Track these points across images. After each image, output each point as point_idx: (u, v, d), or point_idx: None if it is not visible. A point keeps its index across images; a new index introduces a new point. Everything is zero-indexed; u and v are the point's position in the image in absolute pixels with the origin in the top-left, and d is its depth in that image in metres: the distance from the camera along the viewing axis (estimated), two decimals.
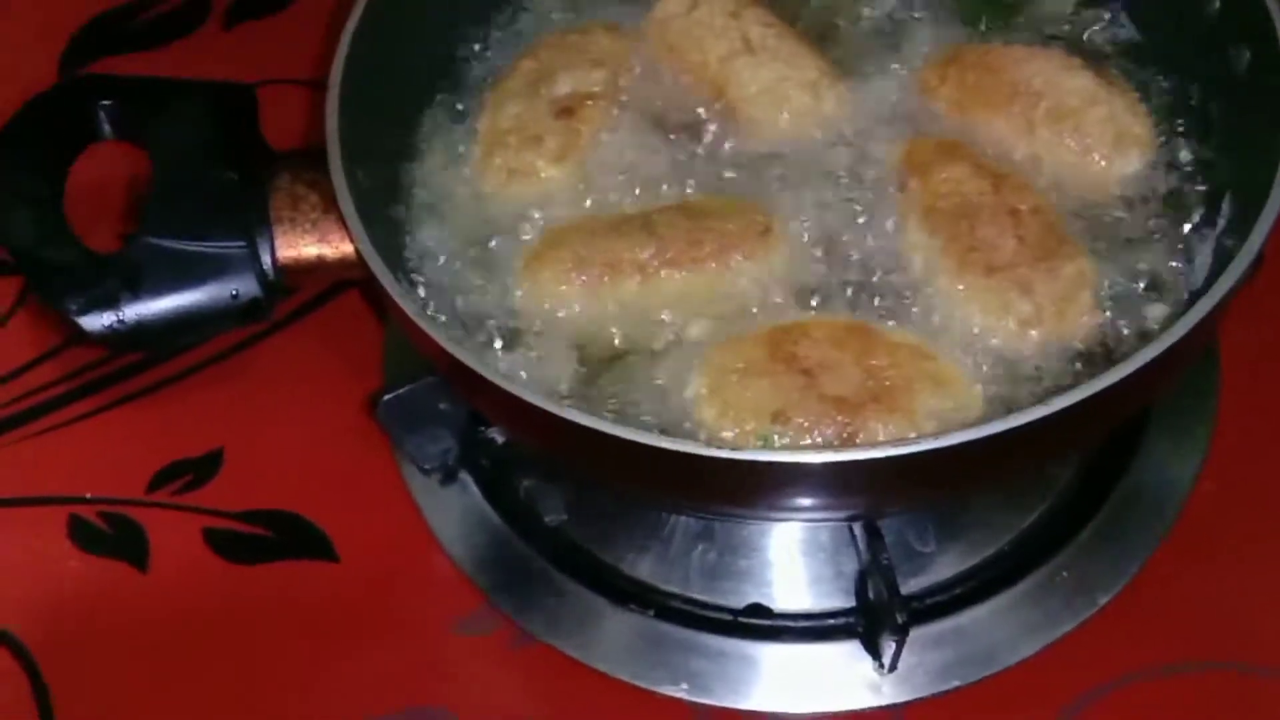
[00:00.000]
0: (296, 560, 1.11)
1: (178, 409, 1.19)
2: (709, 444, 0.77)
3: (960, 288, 0.92)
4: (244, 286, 0.95)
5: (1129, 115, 0.99)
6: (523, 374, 0.92)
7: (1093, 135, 0.98)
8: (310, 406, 1.18)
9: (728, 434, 0.89)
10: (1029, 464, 0.92)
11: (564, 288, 0.96)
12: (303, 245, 0.96)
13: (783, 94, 1.02)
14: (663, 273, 0.95)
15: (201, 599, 1.09)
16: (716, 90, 1.04)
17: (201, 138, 0.98)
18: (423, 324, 0.85)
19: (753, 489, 0.82)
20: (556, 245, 0.97)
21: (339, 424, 1.16)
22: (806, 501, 0.86)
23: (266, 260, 0.95)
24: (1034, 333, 0.90)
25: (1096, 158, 0.97)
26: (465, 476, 1.11)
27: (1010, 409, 0.87)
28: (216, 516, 1.13)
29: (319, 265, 0.96)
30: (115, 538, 1.12)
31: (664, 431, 0.89)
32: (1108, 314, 0.92)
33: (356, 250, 0.89)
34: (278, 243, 0.95)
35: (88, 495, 1.15)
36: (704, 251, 0.95)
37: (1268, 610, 1.03)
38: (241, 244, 0.94)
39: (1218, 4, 0.98)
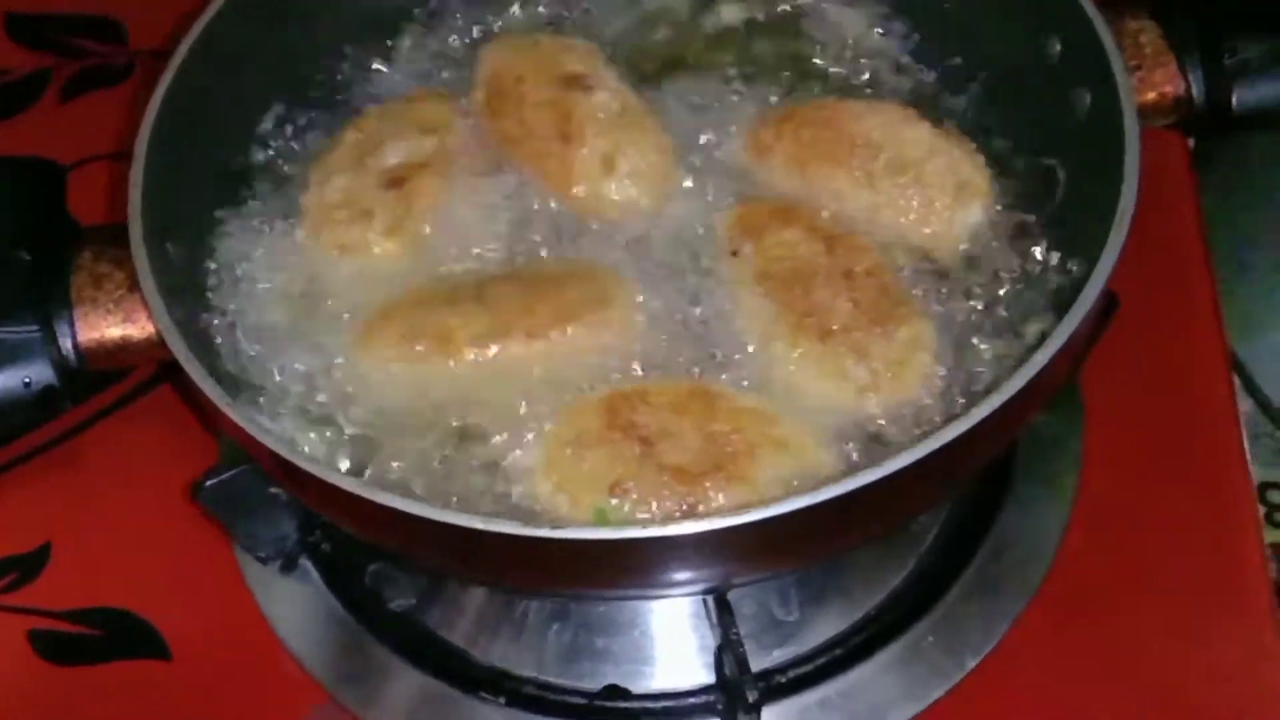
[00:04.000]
0: (127, 660, 1.04)
1: (1, 502, 1.12)
2: (521, 522, 0.72)
3: (796, 353, 0.89)
4: (37, 374, 0.89)
5: (969, 165, 0.97)
6: (343, 457, 0.87)
7: (934, 185, 0.96)
8: (143, 494, 1.12)
9: (564, 509, 0.85)
10: (872, 527, 0.88)
11: (393, 363, 0.91)
12: (105, 326, 0.90)
13: (617, 167, 0.98)
14: (495, 345, 0.91)
15: (25, 706, 1.02)
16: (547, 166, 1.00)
17: None
18: (221, 405, 0.80)
19: (572, 567, 0.78)
20: (386, 319, 0.93)
21: (174, 512, 1.10)
22: (638, 578, 0.82)
23: (66, 344, 0.89)
24: (872, 396, 0.87)
25: (939, 208, 0.95)
26: (306, 563, 1.06)
27: (858, 466, 0.84)
28: (43, 616, 1.06)
29: (124, 346, 0.90)
30: None
31: (500, 512, 0.85)
32: (942, 374, 0.89)
33: (156, 328, 0.84)
34: (78, 324, 0.89)
35: None
36: (538, 321, 0.92)
37: (1137, 672, 1.00)
38: (34, 328, 0.88)
39: (1057, 47, 0.97)
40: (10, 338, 0.87)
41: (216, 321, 0.95)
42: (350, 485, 0.75)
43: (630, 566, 0.79)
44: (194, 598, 1.07)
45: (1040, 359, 0.78)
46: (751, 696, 0.87)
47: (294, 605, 1.05)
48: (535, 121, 1.00)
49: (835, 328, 0.89)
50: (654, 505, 0.83)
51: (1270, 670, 0.99)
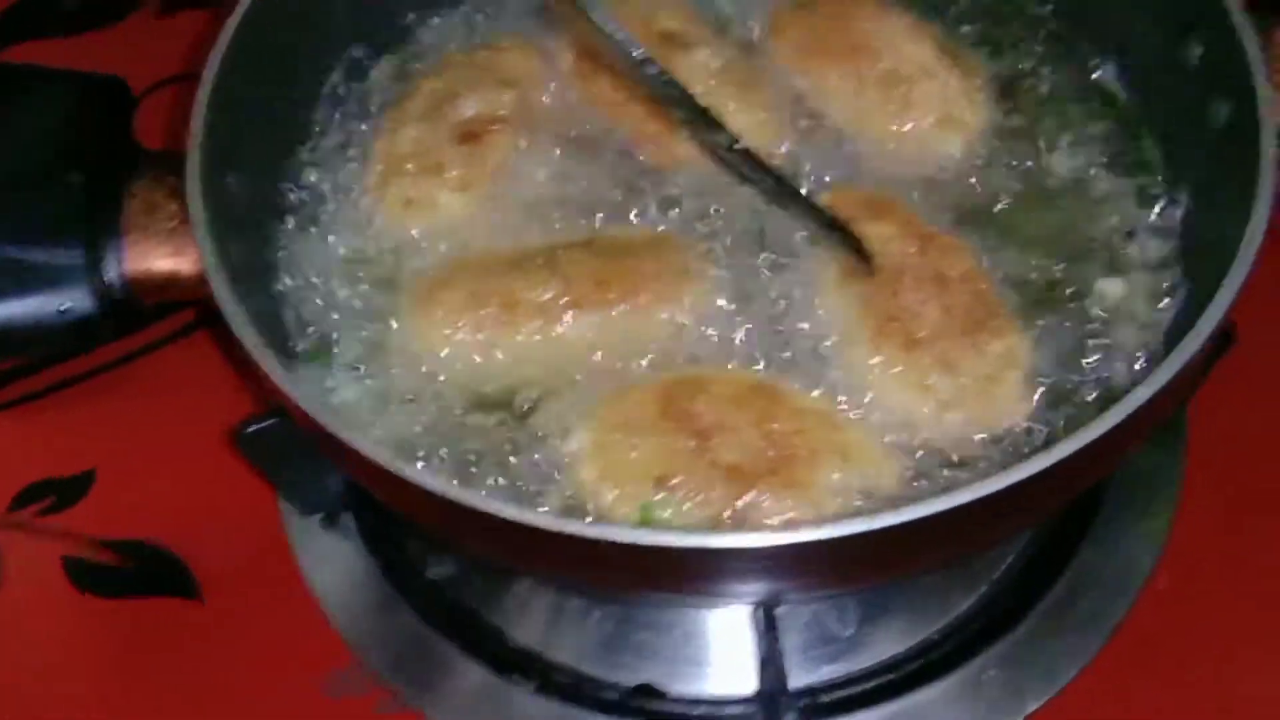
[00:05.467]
0: (158, 597, 1.02)
1: (49, 424, 1.10)
2: (552, 516, 0.68)
3: (876, 360, 0.83)
4: (76, 302, 0.84)
5: (962, 98, 0.91)
6: (384, 424, 0.83)
7: (918, 107, 0.91)
8: (194, 431, 1.08)
9: (608, 499, 0.80)
10: (935, 558, 0.82)
11: (452, 329, 0.87)
12: (155, 258, 0.86)
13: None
14: (565, 316, 0.86)
15: (54, 632, 1.01)
16: (639, 117, 0.94)
17: (50, 133, 0.88)
18: (254, 352, 0.75)
19: (605, 566, 0.72)
20: (449, 282, 0.88)
21: (223, 453, 1.06)
22: (673, 584, 0.77)
23: (113, 273, 0.85)
24: (954, 414, 0.80)
25: (916, 132, 0.91)
26: (348, 520, 1.02)
27: (932, 489, 0.79)
28: (79, 543, 1.04)
29: (173, 281, 0.86)
30: None
31: (539, 495, 0.80)
32: (1034, 397, 0.82)
33: (193, 264, 0.80)
34: (127, 254, 0.85)
35: None
36: (611, 294, 0.86)
37: None
38: (76, 253, 0.84)
39: (1198, 50, 0.88)
40: (49, 261, 0.83)
41: (281, 272, 0.91)
42: (379, 457, 0.71)
43: (666, 573, 0.73)
44: (232, 542, 1.04)
45: (1142, 394, 0.70)
46: (789, 718, 0.81)
47: (331, 561, 1.01)
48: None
49: (922, 335, 0.82)
50: (702, 505, 0.78)
51: None
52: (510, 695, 0.95)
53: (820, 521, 0.68)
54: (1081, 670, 0.94)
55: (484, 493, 0.71)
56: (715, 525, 0.77)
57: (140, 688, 0.98)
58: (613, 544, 0.67)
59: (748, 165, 0.85)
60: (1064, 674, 0.94)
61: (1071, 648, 0.95)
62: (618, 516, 0.78)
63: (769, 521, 0.77)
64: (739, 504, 0.78)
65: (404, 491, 0.70)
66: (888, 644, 0.96)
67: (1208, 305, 0.74)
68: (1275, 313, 0.99)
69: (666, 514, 0.78)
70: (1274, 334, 1.02)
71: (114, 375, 1.12)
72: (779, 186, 0.86)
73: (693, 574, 0.72)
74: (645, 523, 0.77)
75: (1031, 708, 0.93)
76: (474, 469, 0.82)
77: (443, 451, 0.83)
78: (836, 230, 0.84)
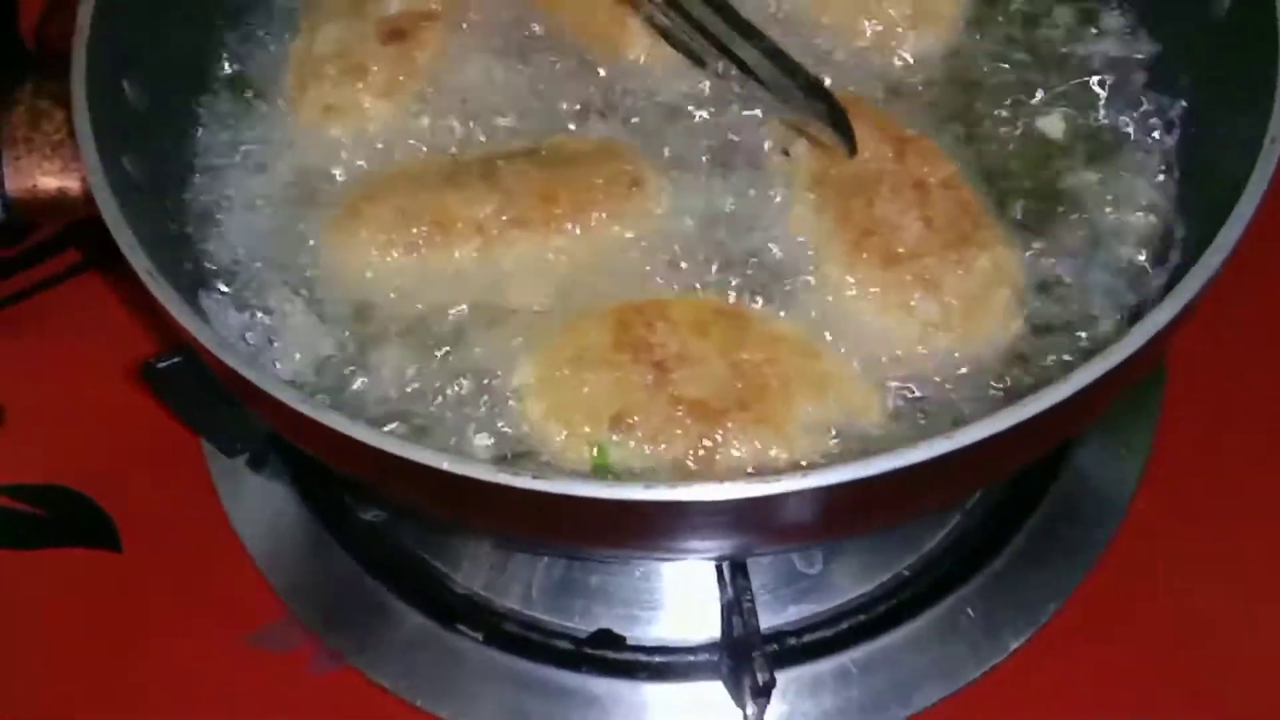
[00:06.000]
0: (76, 548, 0.96)
1: None
2: (491, 466, 0.60)
3: (853, 279, 0.76)
4: None
5: None
6: (295, 352, 0.77)
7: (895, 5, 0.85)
8: (106, 368, 1.01)
9: (557, 440, 0.73)
10: (920, 506, 0.76)
11: (379, 249, 0.79)
12: (39, 175, 0.79)
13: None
14: (507, 235, 0.79)
15: None
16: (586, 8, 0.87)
17: None
18: (151, 284, 0.68)
19: (555, 521, 0.65)
20: (375, 197, 0.81)
21: (139, 390, 0.98)
22: (634, 542, 0.70)
23: None
24: (939, 337, 0.74)
25: (896, 28, 0.85)
26: (276, 462, 0.95)
27: (913, 423, 0.73)
28: None
29: (61, 200, 0.79)
30: None
31: (476, 438, 0.74)
32: (1027, 315, 0.76)
33: (83, 181, 0.72)
34: (7, 170, 0.78)
35: None
36: (558, 209, 0.80)
37: (1199, 666, 0.89)
38: None
39: None
40: None
41: (186, 190, 0.83)
42: (287, 398, 0.63)
43: (625, 529, 0.66)
44: (153, 486, 0.97)
45: (1157, 321, 0.63)
46: (762, 677, 0.76)
47: (259, 505, 0.95)
48: None
49: (901, 251, 0.76)
50: (663, 446, 0.71)
51: None
52: (456, 646, 0.89)
53: (800, 469, 0.61)
54: (1064, 603, 0.90)
55: (414, 442, 0.63)
56: (678, 468, 0.71)
57: (58, 644, 0.92)
58: (564, 497, 0.60)
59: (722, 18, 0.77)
60: (1045, 608, 0.90)
61: (1052, 581, 0.91)
62: (569, 460, 0.72)
63: (739, 460, 0.71)
64: (704, 444, 0.71)
65: (318, 437, 0.63)
66: (857, 582, 0.91)
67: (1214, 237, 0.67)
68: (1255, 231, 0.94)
69: (623, 457, 0.72)
70: (1253, 255, 0.97)
71: (14, 310, 1.04)
72: (749, 38, 0.78)
73: (655, 530, 0.65)
74: (600, 466, 0.71)
75: (1013, 645, 0.88)
76: (403, 407, 0.75)
77: (361, 386, 0.76)
78: (815, 96, 0.77)
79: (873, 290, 0.76)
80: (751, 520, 0.64)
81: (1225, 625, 0.91)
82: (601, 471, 0.72)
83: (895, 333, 0.75)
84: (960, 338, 0.75)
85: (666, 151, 0.83)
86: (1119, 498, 0.94)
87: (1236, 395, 0.99)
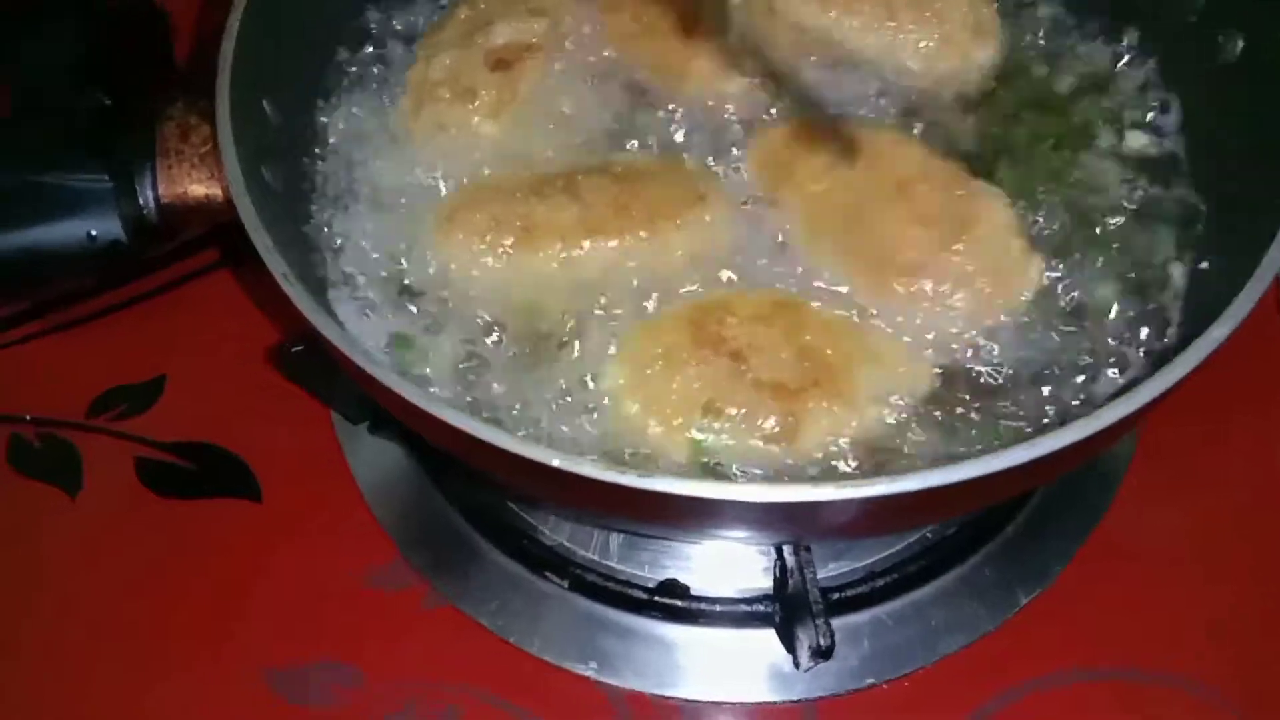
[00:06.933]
0: (222, 498, 1.10)
1: (122, 336, 1.18)
2: (602, 463, 0.67)
3: (879, 305, 0.87)
4: (103, 227, 0.82)
5: (984, 9, 0.96)
6: (416, 352, 0.88)
7: (952, 21, 0.95)
8: (252, 343, 1.15)
9: (655, 433, 0.81)
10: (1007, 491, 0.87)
11: (473, 252, 0.90)
12: (188, 183, 0.86)
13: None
14: (585, 241, 0.89)
15: (125, 531, 1.09)
16: (659, 50, 0.99)
17: (75, 55, 0.85)
18: (284, 284, 0.76)
19: (656, 512, 0.73)
20: (470, 205, 0.91)
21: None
22: (725, 530, 0.79)
23: (146, 198, 0.84)
24: (984, 316, 0.85)
25: (955, 44, 0.95)
26: (393, 427, 1.08)
27: (954, 381, 0.83)
28: (150, 446, 1.12)
29: (207, 207, 0.85)
30: (50, 462, 1.12)
31: (576, 429, 0.83)
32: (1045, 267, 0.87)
33: (225, 190, 0.78)
34: (160, 178, 0.84)
35: (28, 416, 1.14)
36: (631, 219, 0.90)
37: (1184, 618, 1.00)
38: (103, 178, 0.82)
39: None
40: (75, 186, 0.80)
41: (314, 200, 0.94)
42: (403, 390, 0.73)
43: (723, 520, 0.73)
44: (289, 446, 1.11)
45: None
46: (824, 641, 0.83)
47: (377, 464, 1.08)
48: (653, 16, 0.98)
49: (914, 259, 0.86)
50: (754, 428, 0.80)
51: None
52: (544, 591, 1.01)
53: (916, 470, 0.68)
54: (1067, 564, 1.00)
55: (521, 433, 0.73)
56: (768, 444, 0.79)
57: (203, 579, 1.05)
58: (670, 496, 0.67)
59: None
60: (1053, 569, 1.00)
61: (1058, 545, 1.01)
62: (667, 451, 0.80)
63: (819, 432, 0.80)
64: (789, 420, 0.80)
65: (439, 431, 0.72)
66: (886, 545, 1.02)
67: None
68: None
69: (717, 441, 0.80)
70: None
71: (169, 296, 1.18)
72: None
73: (751, 522, 0.74)
74: (699, 452, 0.79)
75: (1023, 600, 0.99)
76: (505, 403, 0.85)
77: (474, 380, 0.86)
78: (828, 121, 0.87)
79: (901, 311, 0.86)
80: (864, 517, 0.72)
81: (1206, 576, 1.01)
82: (699, 457, 0.79)
83: (939, 325, 0.85)
84: (1003, 305, 0.85)
85: (723, 170, 0.94)
86: (1114, 475, 1.05)
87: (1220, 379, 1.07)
